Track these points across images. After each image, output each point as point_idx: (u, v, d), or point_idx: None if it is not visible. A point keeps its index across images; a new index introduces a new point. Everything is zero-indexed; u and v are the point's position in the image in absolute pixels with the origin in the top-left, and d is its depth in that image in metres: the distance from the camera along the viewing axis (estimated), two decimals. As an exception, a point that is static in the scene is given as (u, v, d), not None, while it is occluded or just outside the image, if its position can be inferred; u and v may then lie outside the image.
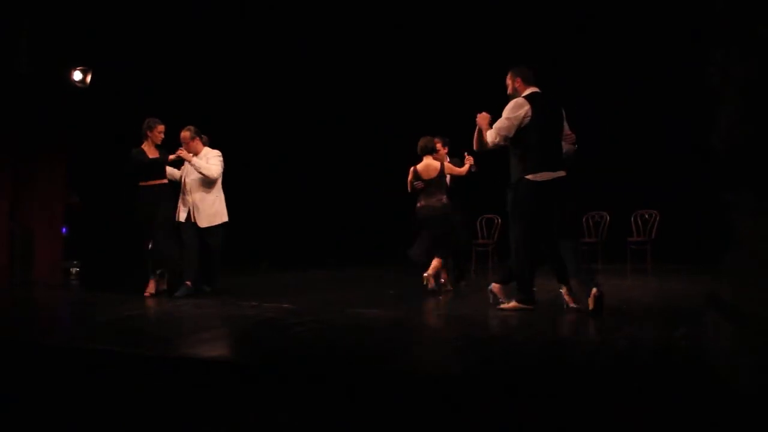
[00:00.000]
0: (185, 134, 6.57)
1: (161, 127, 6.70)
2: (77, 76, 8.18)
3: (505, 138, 4.87)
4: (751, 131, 2.09)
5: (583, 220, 10.21)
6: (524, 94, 4.94)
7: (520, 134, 4.84)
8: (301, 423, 2.73)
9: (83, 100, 8.27)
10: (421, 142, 6.72)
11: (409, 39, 10.80)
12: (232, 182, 6.75)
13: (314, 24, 10.59)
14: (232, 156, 7.02)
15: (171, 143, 6.78)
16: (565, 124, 5.17)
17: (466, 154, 6.63)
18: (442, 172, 6.63)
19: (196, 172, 6.51)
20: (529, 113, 4.83)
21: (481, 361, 3.17)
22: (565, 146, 5.14)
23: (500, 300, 5.06)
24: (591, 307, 4.59)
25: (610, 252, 9.79)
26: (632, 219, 9.79)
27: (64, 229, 8.60)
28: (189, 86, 9.87)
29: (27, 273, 7.98)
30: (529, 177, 4.79)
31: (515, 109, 4.85)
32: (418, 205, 6.67)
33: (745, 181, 2.29)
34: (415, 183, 6.67)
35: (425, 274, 6.37)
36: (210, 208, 6.54)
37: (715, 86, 2.38)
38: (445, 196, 6.63)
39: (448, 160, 6.97)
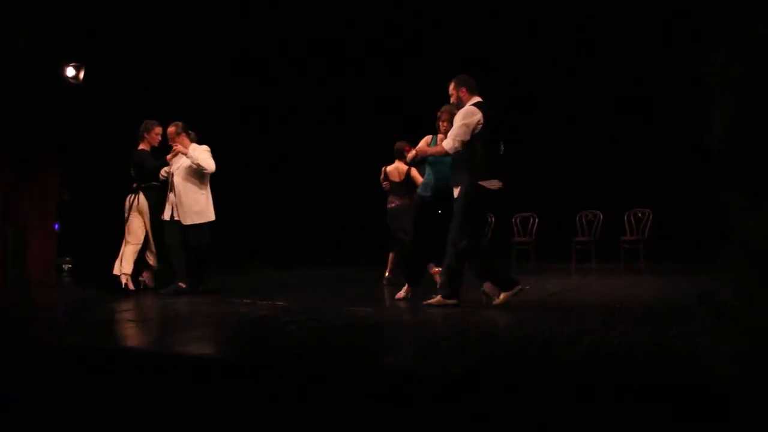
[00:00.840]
0: (171, 129, 6.59)
1: (158, 129, 6.78)
2: (70, 72, 8.17)
3: (462, 143, 4.98)
4: (749, 131, 2.10)
5: (577, 218, 10.24)
6: (470, 103, 5.08)
7: (470, 141, 4.99)
8: (296, 421, 2.73)
9: (79, 98, 8.25)
10: (396, 145, 7.00)
11: (408, 38, 10.81)
12: (232, 181, 6.74)
13: (312, 22, 10.59)
14: (232, 155, 6.98)
15: (166, 143, 6.78)
16: None
17: None
18: (407, 177, 6.90)
19: (183, 170, 6.49)
20: (482, 121, 4.97)
21: (478, 360, 3.17)
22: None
23: (493, 297, 5.12)
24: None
25: (604, 251, 9.83)
26: (625, 218, 9.82)
27: (56, 226, 8.57)
28: (187, 85, 9.85)
29: (20, 271, 7.97)
30: (483, 184, 4.96)
31: (470, 116, 4.98)
32: (392, 205, 7.01)
33: (743, 181, 2.30)
34: (384, 183, 7.01)
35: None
36: (195, 206, 6.46)
37: (713, 86, 2.38)
38: (408, 199, 6.81)
39: None
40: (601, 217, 9.92)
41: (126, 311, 5.26)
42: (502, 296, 5.03)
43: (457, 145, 4.97)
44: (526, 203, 10.66)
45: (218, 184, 6.69)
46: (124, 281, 6.64)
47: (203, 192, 6.53)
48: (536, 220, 10.46)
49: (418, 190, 5.93)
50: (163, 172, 6.76)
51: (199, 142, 6.65)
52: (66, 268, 9.01)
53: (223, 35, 10.18)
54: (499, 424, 2.41)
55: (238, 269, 9.58)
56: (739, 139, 2.16)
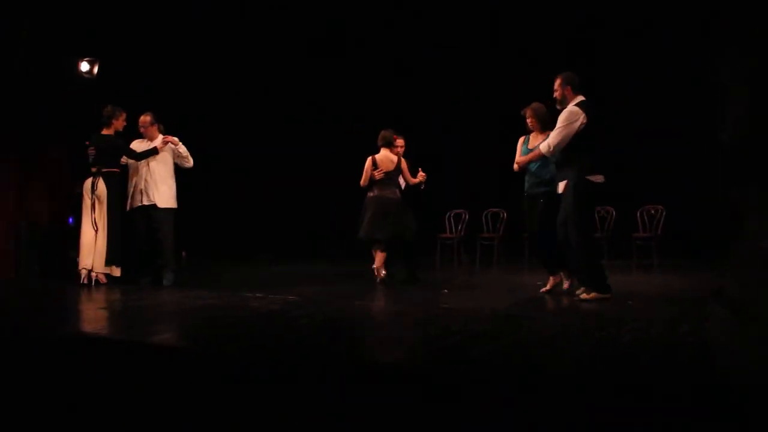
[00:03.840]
0: (146, 119, 6.82)
1: (125, 115, 6.87)
2: (84, 66, 8.23)
3: (559, 148, 5.15)
4: (759, 126, 2.08)
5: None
6: (574, 102, 5.18)
7: (575, 139, 5.11)
8: (304, 417, 2.74)
9: (88, 93, 8.30)
10: (384, 134, 6.85)
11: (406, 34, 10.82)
12: (237, 175, 6.74)
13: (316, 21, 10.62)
14: (239, 150, 6.94)
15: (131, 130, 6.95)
16: None
17: (420, 170, 6.98)
18: (398, 166, 6.79)
19: (160, 157, 6.71)
20: (584, 121, 5.08)
21: (486, 355, 3.17)
22: None
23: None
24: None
25: (616, 247, 9.76)
26: (638, 214, 9.75)
27: (70, 220, 8.63)
28: (194, 80, 9.88)
29: (34, 263, 8.09)
30: (590, 178, 5.09)
31: (573, 118, 5.09)
32: (371, 194, 6.75)
33: (752, 177, 2.28)
34: (375, 171, 6.75)
35: (375, 266, 6.66)
36: (169, 191, 6.74)
37: (724, 82, 2.37)
38: (398, 190, 6.81)
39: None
40: (614, 213, 9.85)
41: (135, 304, 5.28)
42: (593, 294, 5.11)
43: (553, 151, 5.15)
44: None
45: (228, 178, 6.74)
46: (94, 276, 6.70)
47: (174, 180, 6.85)
48: (548, 216, 10.41)
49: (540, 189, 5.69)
50: (125, 159, 6.88)
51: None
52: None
53: (226, 32, 10.23)
54: (505, 421, 2.41)
55: (248, 263, 9.60)
56: (751, 136, 2.14)
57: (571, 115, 5.10)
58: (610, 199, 9.78)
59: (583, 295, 5.14)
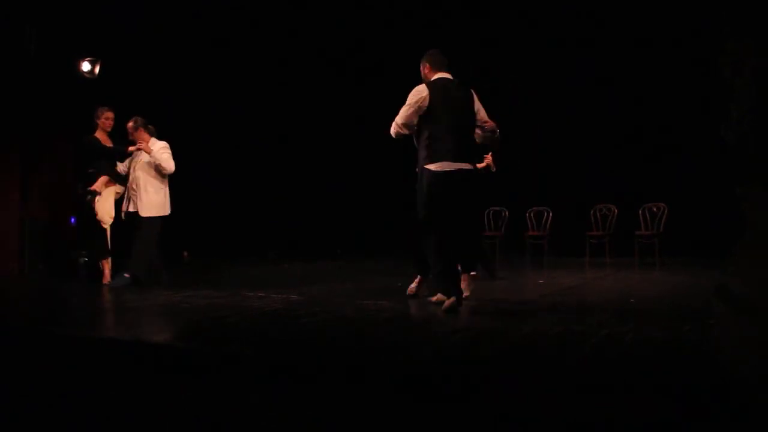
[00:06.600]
0: (129, 125, 6.73)
1: (108, 114, 6.83)
2: (86, 67, 8.24)
3: (407, 126, 4.66)
4: (764, 124, 2.07)
5: (591, 213, 10.19)
6: (432, 79, 4.71)
7: (421, 122, 4.61)
8: (307, 415, 2.74)
9: (92, 93, 8.32)
10: None
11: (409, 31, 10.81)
12: (243, 174, 6.72)
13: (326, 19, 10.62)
14: (243, 150, 6.90)
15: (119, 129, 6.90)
16: (482, 112, 4.85)
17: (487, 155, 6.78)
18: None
19: (145, 164, 6.61)
20: (427, 100, 4.55)
21: (487, 354, 3.17)
22: (482, 134, 4.93)
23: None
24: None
25: (618, 245, 9.76)
26: (640, 212, 9.75)
27: (72, 220, 8.64)
28: (201, 80, 9.90)
29: (38, 262, 8.13)
30: (429, 167, 4.53)
31: (412, 96, 4.60)
32: None
33: (756, 174, 2.27)
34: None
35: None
36: (155, 199, 6.62)
37: (728, 78, 2.36)
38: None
39: None
40: (616, 211, 9.85)
41: (136, 303, 5.28)
42: (437, 296, 4.73)
43: (397, 129, 4.69)
44: (540, 197, 10.62)
45: (232, 177, 6.73)
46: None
47: (162, 187, 6.71)
48: (550, 214, 10.40)
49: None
50: (122, 168, 6.84)
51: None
52: (83, 262, 9.08)
53: (238, 28, 10.23)
54: (505, 418, 2.41)
55: (250, 262, 9.61)
56: (755, 132, 2.13)
57: (414, 92, 4.60)
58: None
59: (432, 298, 4.80)
